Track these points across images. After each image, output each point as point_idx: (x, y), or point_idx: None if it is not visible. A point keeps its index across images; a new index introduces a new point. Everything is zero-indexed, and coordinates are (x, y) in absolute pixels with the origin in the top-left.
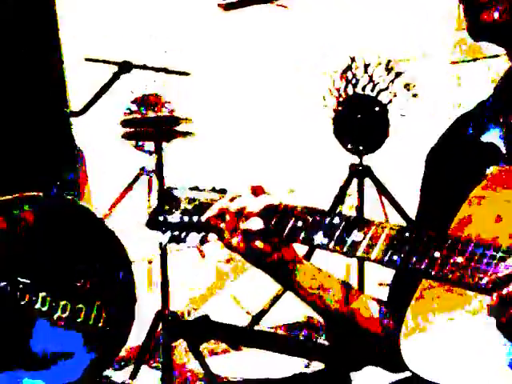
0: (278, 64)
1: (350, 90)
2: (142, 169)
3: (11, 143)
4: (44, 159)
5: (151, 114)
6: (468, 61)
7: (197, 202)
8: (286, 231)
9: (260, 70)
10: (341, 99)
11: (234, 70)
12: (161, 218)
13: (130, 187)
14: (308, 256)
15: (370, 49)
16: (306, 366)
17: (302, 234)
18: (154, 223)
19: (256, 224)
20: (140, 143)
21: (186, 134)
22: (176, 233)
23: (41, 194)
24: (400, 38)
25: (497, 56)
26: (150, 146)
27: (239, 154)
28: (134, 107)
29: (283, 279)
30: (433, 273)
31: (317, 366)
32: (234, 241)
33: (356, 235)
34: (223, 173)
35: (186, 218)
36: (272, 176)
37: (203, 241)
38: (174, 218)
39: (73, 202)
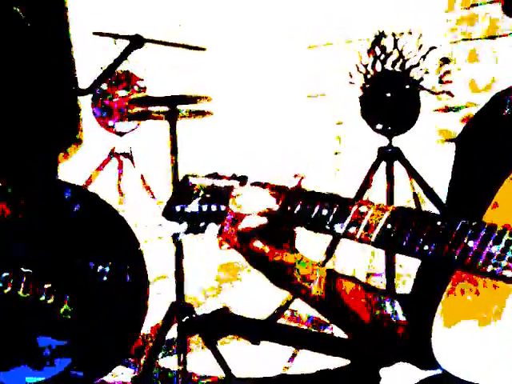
0: (298, 38)
1: (379, 67)
2: (112, 151)
3: (17, 122)
4: (50, 139)
5: (122, 93)
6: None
7: (216, 191)
8: (310, 220)
9: (279, 46)
10: (369, 76)
11: (252, 44)
12: (177, 208)
13: (99, 169)
14: (331, 248)
15: (400, 22)
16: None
17: (327, 223)
18: (170, 213)
19: (254, 223)
20: (111, 123)
21: (203, 113)
22: (194, 223)
23: (45, 179)
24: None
25: None
26: (121, 126)
27: (261, 136)
28: (105, 86)
29: (286, 283)
30: (466, 263)
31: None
32: (232, 238)
33: (383, 224)
34: (244, 157)
35: (204, 208)
36: (294, 159)
37: (222, 232)
38: (192, 207)
39: (79, 189)
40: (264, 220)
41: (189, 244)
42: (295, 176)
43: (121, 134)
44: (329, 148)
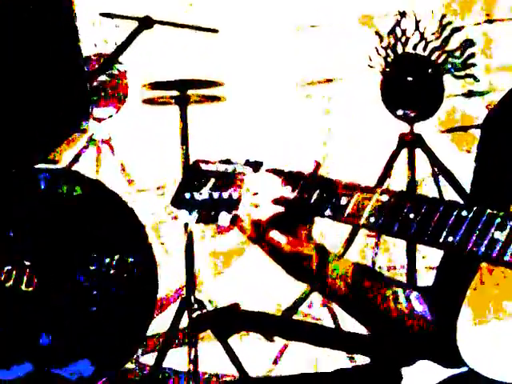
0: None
1: (400, 49)
2: (90, 137)
3: (23, 105)
4: (57, 126)
5: (102, 78)
6: None
7: (228, 177)
8: (328, 210)
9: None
10: (389, 59)
11: (267, 27)
12: (187, 196)
13: (77, 156)
14: (351, 239)
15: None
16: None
17: (346, 213)
18: (179, 201)
19: (268, 212)
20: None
21: (214, 98)
22: (205, 212)
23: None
24: None
25: None
26: (99, 113)
27: (275, 122)
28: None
29: (305, 276)
30: (493, 255)
31: (362, 359)
32: (247, 229)
33: (409, 214)
34: (258, 143)
35: (215, 195)
36: (311, 146)
37: (235, 220)
38: (203, 195)
39: (84, 177)
40: (280, 208)
41: None
42: (313, 163)
43: (99, 120)
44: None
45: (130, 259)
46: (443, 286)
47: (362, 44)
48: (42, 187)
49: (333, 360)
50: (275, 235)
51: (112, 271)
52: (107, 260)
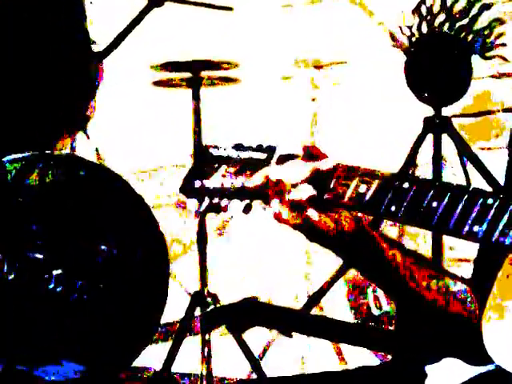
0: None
1: (425, 28)
2: None
3: (27, 87)
4: (63, 106)
5: None
6: None
7: (240, 163)
8: (347, 198)
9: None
10: (414, 39)
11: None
12: (197, 183)
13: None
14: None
15: None
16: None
17: (366, 200)
18: (189, 189)
19: (305, 192)
20: None
21: (228, 80)
22: (215, 200)
23: (56, 153)
24: None
25: None
26: None
27: (292, 106)
28: None
29: (347, 255)
30: None
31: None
32: (283, 213)
33: (432, 202)
34: (272, 127)
35: (227, 183)
36: (330, 131)
37: (248, 209)
38: (213, 182)
39: (92, 164)
40: (311, 189)
41: None
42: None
43: None
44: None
45: (139, 251)
46: (476, 278)
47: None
48: (38, 171)
49: (321, 358)
50: (317, 215)
51: (119, 263)
52: (114, 251)
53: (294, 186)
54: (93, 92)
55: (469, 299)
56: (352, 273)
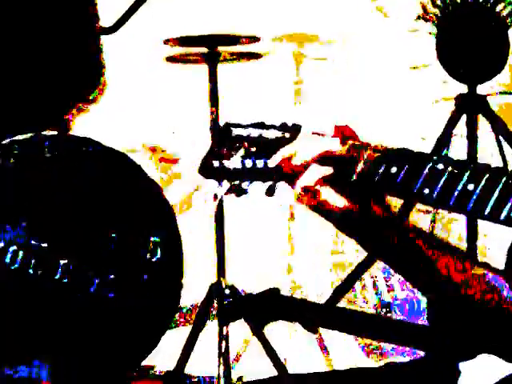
0: None
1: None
2: None
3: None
4: (68, 84)
5: None
6: None
7: (262, 143)
8: (377, 179)
9: None
10: (447, 11)
11: None
12: (216, 164)
13: None
14: (404, 211)
15: None
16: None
17: (397, 183)
18: (208, 170)
19: (317, 173)
20: None
21: (250, 55)
22: (236, 182)
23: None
24: None
25: None
26: None
27: (317, 82)
28: None
29: (372, 244)
30: None
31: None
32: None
33: (468, 185)
34: (297, 105)
35: (248, 163)
36: (362, 109)
37: (271, 191)
38: (234, 162)
39: (101, 145)
40: (329, 169)
41: None
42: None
43: None
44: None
45: (154, 238)
46: (509, 267)
47: None
48: (48, 155)
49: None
50: (333, 196)
51: (132, 252)
52: (128, 239)
53: (306, 166)
54: (102, 68)
55: (504, 292)
56: None
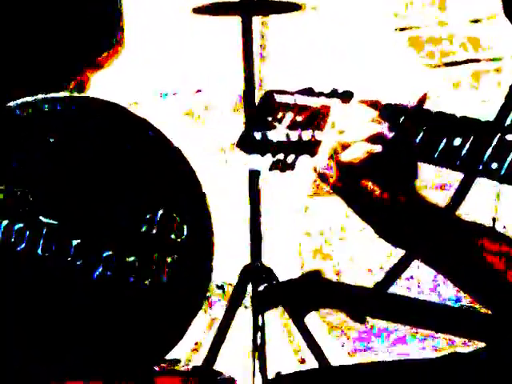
0: None
1: None
2: None
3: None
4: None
5: None
6: None
7: (310, 112)
8: (438, 152)
9: None
10: None
11: None
12: (258, 136)
13: None
14: (462, 191)
15: None
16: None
17: (461, 157)
18: (248, 143)
19: (362, 151)
20: None
21: (290, 6)
22: (280, 156)
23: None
24: None
25: None
26: None
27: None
28: None
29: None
30: None
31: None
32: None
33: None
34: (348, 69)
35: (293, 135)
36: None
37: (291, 165)
38: (278, 134)
39: (123, 110)
40: (376, 147)
41: None
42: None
43: None
44: None
45: (178, 215)
46: None
47: None
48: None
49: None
50: (369, 184)
51: (154, 231)
52: (148, 216)
53: (354, 142)
54: (118, 23)
55: None
56: None
